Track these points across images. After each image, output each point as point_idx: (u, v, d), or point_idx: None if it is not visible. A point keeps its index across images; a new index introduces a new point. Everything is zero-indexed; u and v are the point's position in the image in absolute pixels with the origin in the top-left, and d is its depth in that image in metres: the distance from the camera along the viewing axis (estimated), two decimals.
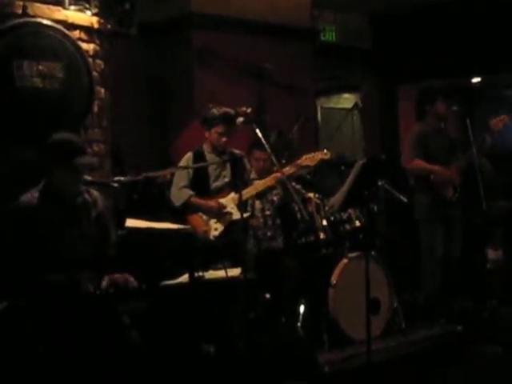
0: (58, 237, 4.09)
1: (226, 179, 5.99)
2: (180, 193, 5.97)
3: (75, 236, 4.17)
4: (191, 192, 5.94)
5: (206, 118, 5.96)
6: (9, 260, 4.02)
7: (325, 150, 6.10)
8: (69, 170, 4.10)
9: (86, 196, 4.31)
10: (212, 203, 5.90)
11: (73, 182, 4.16)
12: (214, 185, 5.99)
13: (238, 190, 5.66)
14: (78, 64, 5.52)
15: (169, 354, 4.23)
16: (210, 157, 6.00)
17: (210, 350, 4.63)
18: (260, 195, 6.16)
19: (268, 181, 5.96)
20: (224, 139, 5.90)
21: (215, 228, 5.90)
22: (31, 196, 4.13)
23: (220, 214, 5.89)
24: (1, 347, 3.69)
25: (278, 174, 5.87)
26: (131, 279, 4.13)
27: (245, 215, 5.63)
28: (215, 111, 5.90)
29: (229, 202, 5.92)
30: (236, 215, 5.84)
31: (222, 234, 5.88)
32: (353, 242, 6.26)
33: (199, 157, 5.99)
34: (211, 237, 5.84)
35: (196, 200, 5.94)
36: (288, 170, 5.97)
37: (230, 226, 5.87)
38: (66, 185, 4.16)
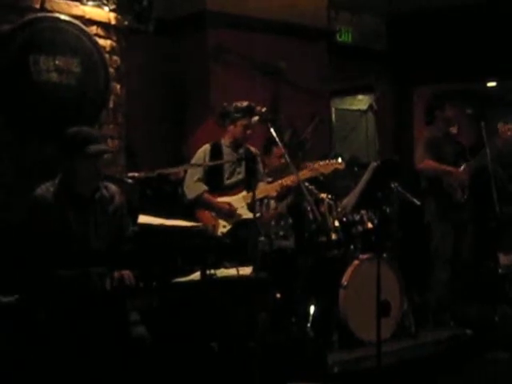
0: (72, 232, 4.09)
1: (240, 176, 6.00)
2: (194, 186, 5.96)
3: (89, 231, 4.17)
4: (205, 187, 5.94)
5: (229, 111, 5.97)
6: (22, 253, 4.04)
7: (339, 160, 6.12)
8: (87, 158, 4.09)
9: (104, 191, 4.30)
10: (223, 204, 5.90)
11: (92, 172, 4.15)
12: (229, 181, 6.00)
13: (250, 189, 5.69)
14: (95, 60, 5.54)
15: (178, 351, 4.24)
16: (226, 151, 6.01)
17: (219, 349, 4.64)
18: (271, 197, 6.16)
19: (280, 185, 5.95)
20: (249, 132, 5.94)
21: (223, 225, 5.90)
22: (46, 189, 4.13)
23: (230, 215, 5.89)
24: (13, 339, 3.70)
25: (292, 179, 5.87)
26: (129, 275, 4.08)
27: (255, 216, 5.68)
28: (238, 104, 5.93)
29: (240, 200, 5.92)
30: (246, 214, 5.86)
31: (230, 231, 5.89)
32: (364, 243, 6.26)
33: (216, 150, 6.00)
34: (219, 233, 5.85)
35: (209, 197, 5.94)
36: (301, 175, 5.97)
37: (238, 225, 5.88)
38: (86, 176, 4.15)
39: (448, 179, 6.59)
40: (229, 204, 5.91)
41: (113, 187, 4.38)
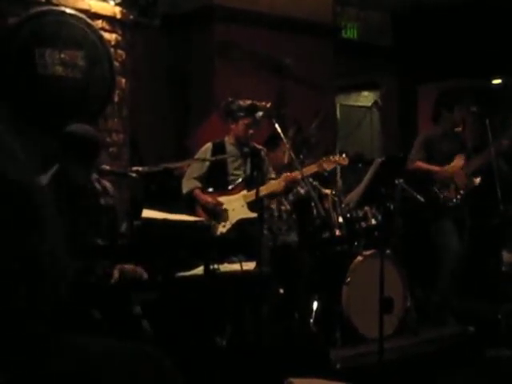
0: (69, 224, 4.09)
1: (243, 175, 5.99)
2: (188, 182, 5.99)
3: (84, 223, 4.19)
4: (198, 184, 5.95)
5: (232, 109, 5.96)
6: None
7: (343, 155, 6.09)
8: (82, 165, 4.12)
9: (97, 185, 4.32)
10: (209, 199, 5.89)
11: (85, 175, 4.18)
12: (231, 179, 5.99)
13: (250, 188, 5.69)
14: (100, 53, 5.56)
15: (181, 345, 4.24)
16: (230, 149, 6.00)
17: (222, 343, 4.64)
18: (274, 195, 6.13)
19: (280, 182, 5.93)
20: (251, 131, 5.92)
21: (223, 225, 5.89)
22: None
23: (215, 211, 5.87)
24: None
25: (291, 176, 5.86)
26: (140, 270, 4.12)
27: (255, 215, 5.66)
28: (241, 103, 5.92)
29: (240, 199, 5.90)
30: (246, 213, 5.84)
31: (229, 230, 5.87)
32: (368, 239, 6.26)
33: (219, 149, 5.99)
34: (218, 232, 5.83)
35: (197, 193, 5.95)
36: (305, 171, 5.95)
37: (239, 224, 5.86)
38: (78, 177, 4.18)
39: (436, 177, 6.59)
40: (214, 199, 5.89)
41: (106, 183, 4.41)
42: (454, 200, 6.58)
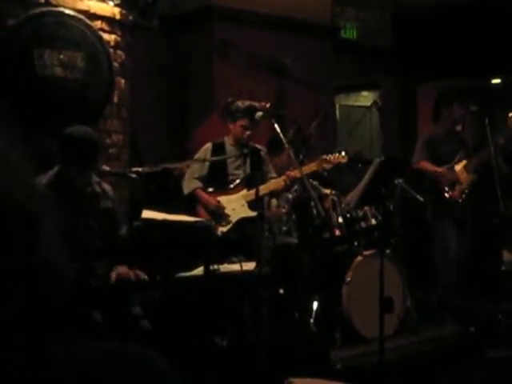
0: (67, 225, 4.09)
1: (243, 175, 5.98)
2: (189, 183, 5.97)
3: (83, 225, 4.18)
4: (199, 184, 5.94)
5: (230, 110, 5.95)
6: None
7: (343, 153, 6.06)
8: (82, 167, 4.12)
9: (97, 187, 4.31)
10: (210, 200, 5.88)
11: (85, 177, 4.18)
12: (231, 179, 5.98)
13: (250, 187, 5.68)
14: (99, 54, 5.56)
15: (181, 345, 4.24)
16: (230, 150, 5.98)
17: (222, 344, 4.64)
18: (275, 194, 6.13)
19: (280, 181, 5.93)
20: (248, 133, 5.90)
21: (224, 225, 5.88)
22: (39, 182, 4.13)
23: (216, 212, 5.86)
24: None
25: (291, 174, 5.85)
26: (140, 274, 4.13)
27: (255, 213, 5.63)
28: (240, 104, 5.90)
29: (239, 198, 5.89)
30: (246, 212, 5.84)
31: (230, 230, 5.87)
32: (368, 239, 6.26)
33: (219, 149, 5.98)
34: (219, 232, 5.83)
35: (199, 193, 5.93)
36: (305, 169, 5.94)
37: (239, 224, 5.85)
38: (78, 178, 4.18)
39: (440, 179, 6.58)
40: (216, 201, 5.89)
41: (106, 186, 4.40)
42: (460, 200, 6.58)
